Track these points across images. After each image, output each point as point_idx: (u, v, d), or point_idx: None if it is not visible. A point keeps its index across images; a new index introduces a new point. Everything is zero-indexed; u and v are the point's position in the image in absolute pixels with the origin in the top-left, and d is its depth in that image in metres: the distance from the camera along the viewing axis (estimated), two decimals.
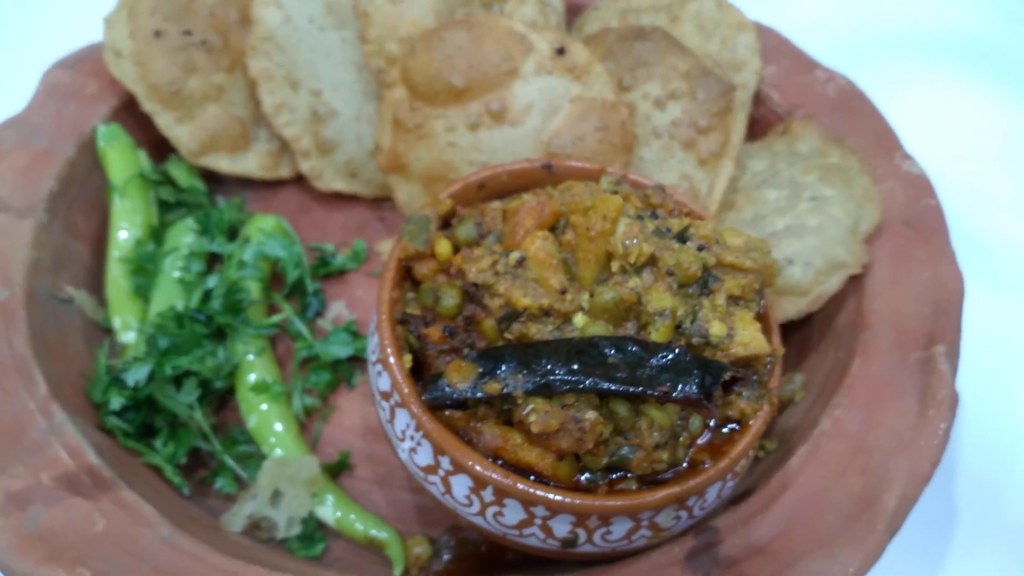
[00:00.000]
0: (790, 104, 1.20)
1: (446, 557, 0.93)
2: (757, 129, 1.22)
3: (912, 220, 1.06)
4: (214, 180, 1.21)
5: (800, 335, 1.07)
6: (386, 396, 0.84)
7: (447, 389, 0.77)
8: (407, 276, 0.88)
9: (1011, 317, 1.19)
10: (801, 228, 1.04)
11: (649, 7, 1.28)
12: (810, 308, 1.03)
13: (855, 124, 1.16)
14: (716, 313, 0.80)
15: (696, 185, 1.08)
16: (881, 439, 0.90)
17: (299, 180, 1.22)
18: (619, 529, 0.79)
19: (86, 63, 1.18)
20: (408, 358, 0.82)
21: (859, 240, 1.04)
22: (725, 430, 0.81)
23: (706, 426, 0.81)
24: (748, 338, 0.80)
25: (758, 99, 1.22)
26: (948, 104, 1.44)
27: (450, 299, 0.81)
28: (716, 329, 0.80)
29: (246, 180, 1.20)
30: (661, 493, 0.76)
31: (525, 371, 0.76)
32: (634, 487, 0.78)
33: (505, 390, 0.75)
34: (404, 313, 0.85)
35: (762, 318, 0.86)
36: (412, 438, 0.81)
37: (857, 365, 0.96)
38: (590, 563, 0.86)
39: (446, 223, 0.90)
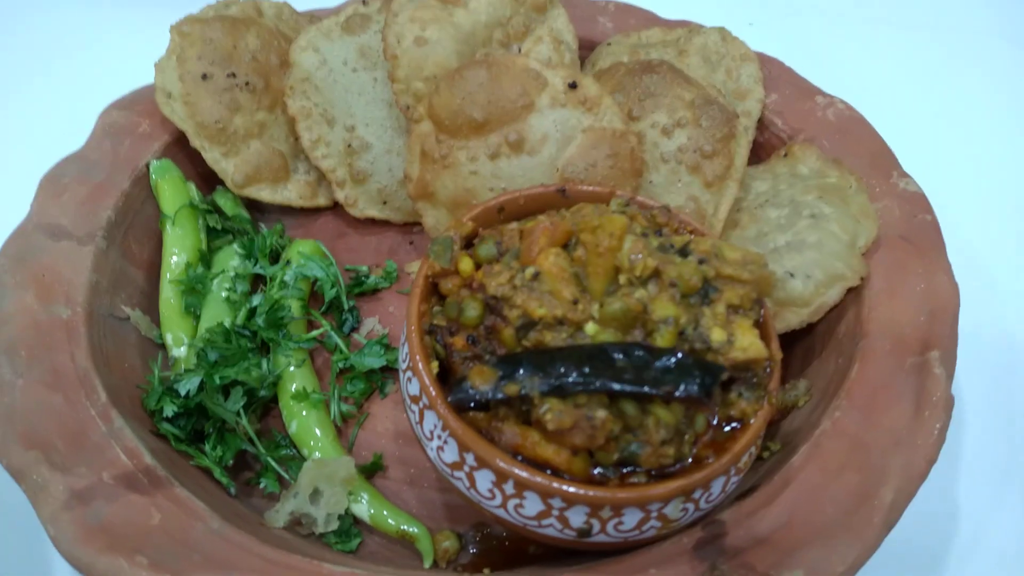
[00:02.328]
0: (792, 129, 1.28)
1: (472, 550, 1.00)
2: (762, 153, 1.29)
3: (908, 235, 1.13)
4: (257, 209, 1.31)
5: (803, 344, 1.14)
6: (415, 400, 0.92)
7: (471, 391, 0.85)
8: (434, 291, 0.96)
9: (1009, 326, 1.25)
10: (801, 244, 1.11)
11: (658, 42, 1.37)
12: (812, 318, 1.10)
13: (854, 146, 1.23)
14: (716, 321, 0.88)
15: (702, 206, 1.15)
16: (878, 438, 0.96)
17: (335, 208, 1.31)
18: (630, 520, 0.86)
19: (138, 104, 1.28)
20: (435, 364, 0.90)
21: (857, 254, 1.10)
22: (728, 428, 0.88)
23: (709, 425, 0.88)
24: (747, 343, 0.87)
25: (762, 125, 1.29)
26: (947, 124, 1.52)
27: (472, 311, 0.89)
28: (717, 335, 0.87)
29: (286, 208, 1.30)
30: (668, 485, 0.83)
31: (541, 374, 0.83)
32: (643, 480, 0.85)
33: (523, 391, 0.83)
34: (431, 324, 0.93)
35: (761, 326, 0.93)
36: (439, 437, 0.89)
37: (856, 370, 1.02)
38: (605, 553, 0.92)
39: (469, 243, 0.99)
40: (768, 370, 0.90)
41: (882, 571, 1.01)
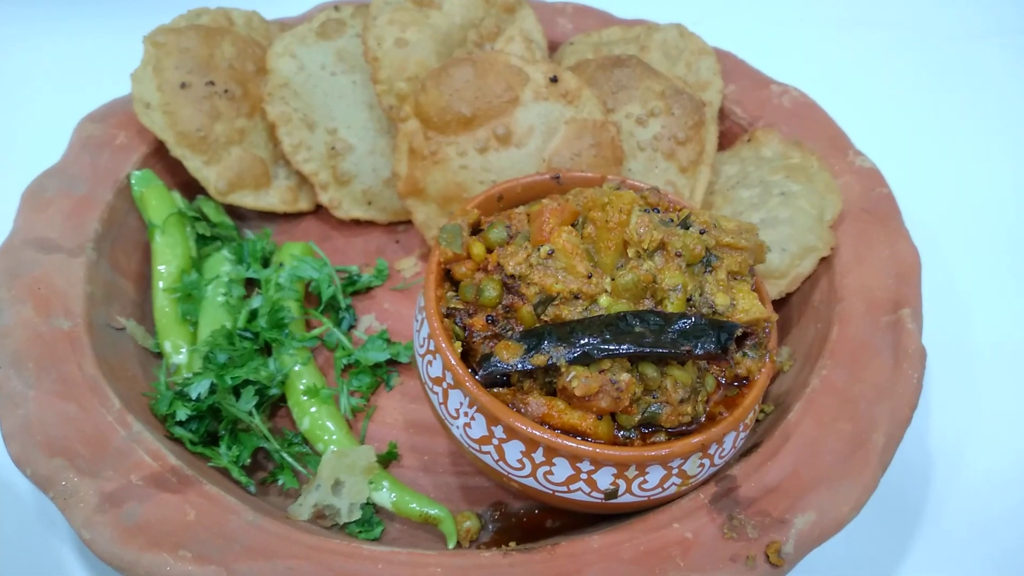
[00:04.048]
0: (751, 116, 1.36)
1: (491, 528, 1.04)
2: (725, 140, 1.37)
3: (869, 207, 1.22)
4: (237, 216, 1.31)
5: (782, 314, 1.21)
6: (438, 381, 0.95)
7: (500, 365, 0.88)
8: (446, 277, 1.00)
9: (956, 282, 1.36)
10: (775, 220, 1.18)
11: (619, 39, 1.44)
12: (788, 288, 1.18)
13: (810, 129, 1.32)
14: (719, 287, 0.94)
15: (679, 190, 1.22)
16: (864, 391, 1.03)
17: (316, 212, 1.33)
18: (653, 478, 0.91)
19: (112, 116, 1.28)
20: (458, 345, 0.93)
21: (825, 227, 1.19)
22: (735, 386, 0.94)
23: (719, 384, 0.94)
24: (749, 305, 0.94)
25: (722, 114, 1.37)
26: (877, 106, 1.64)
27: (492, 291, 0.93)
28: (721, 300, 0.93)
29: (267, 214, 1.31)
30: (689, 441, 0.88)
31: (565, 345, 0.88)
32: (664, 439, 0.90)
33: (550, 361, 0.87)
34: (448, 308, 0.97)
35: (756, 290, 0.99)
36: (466, 414, 0.92)
37: (836, 332, 1.10)
38: (624, 517, 0.97)
39: (474, 230, 1.03)
40: (767, 330, 0.96)
41: (877, 510, 1.09)
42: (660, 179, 1.22)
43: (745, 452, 1.01)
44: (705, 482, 0.97)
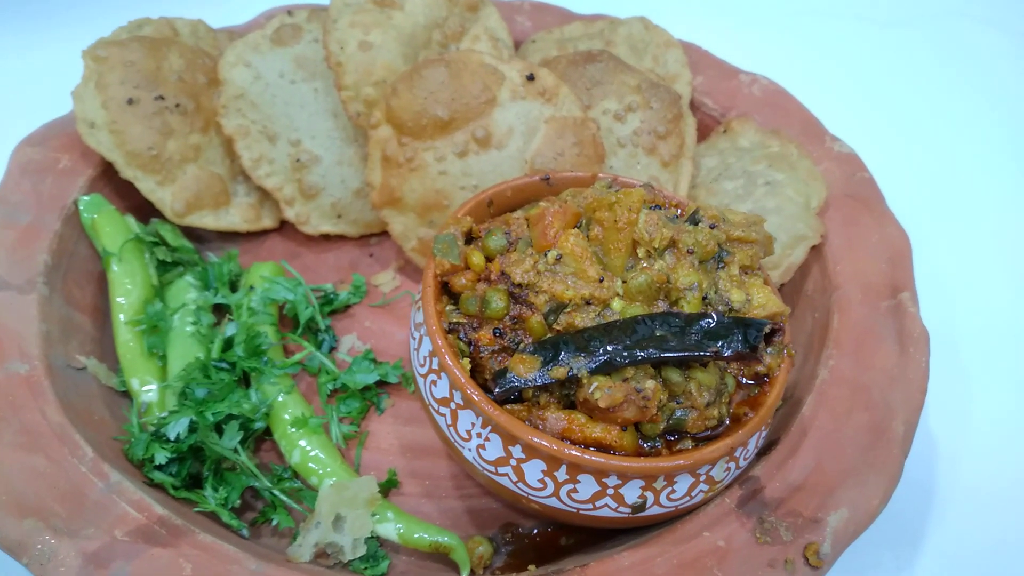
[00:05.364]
0: (723, 107, 1.33)
1: (504, 552, 0.98)
2: (698, 133, 1.34)
3: (852, 192, 1.20)
4: (195, 238, 1.22)
5: None
6: (444, 402, 0.89)
7: (517, 380, 0.83)
8: (443, 290, 0.94)
9: (937, 265, 1.36)
10: (762, 210, 1.16)
11: (582, 35, 1.40)
12: (782, 279, 1.15)
13: (783, 117, 1.30)
14: (733, 282, 0.90)
15: (662, 185, 1.19)
16: (875, 378, 1.01)
17: (281, 228, 1.25)
18: (682, 487, 0.86)
19: (52, 139, 1.18)
20: (466, 362, 0.87)
21: (813, 214, 1.17)
22: (754, 384, 0.91)
23: (739, 383, 0.90)
24: (764, 300, 0.90)
25: (693, 106, 1.34)
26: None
27: (499, 302, 0.87)
28: (736, 296, 0.89)
29: (228, 235, 1.23)
30: (718, 446, 0.84)
31: (584, 354, 0.83)
32: (691, 446, 0.86)
33: (571, 372, 0.82)
34: (450, 323, 0.91)
35: (766, 283, 0.96)
36: (479, 435, 0.86)
37: (837, 320, 1.08)
38: (645, 529, 0.92)
39: (468, 238, 0.97)
40: (781, 324, 0.93)
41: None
42: (643, 175, 1.18)
43: (763, 450, 0.98)
44: (729, 486, 0.93)
